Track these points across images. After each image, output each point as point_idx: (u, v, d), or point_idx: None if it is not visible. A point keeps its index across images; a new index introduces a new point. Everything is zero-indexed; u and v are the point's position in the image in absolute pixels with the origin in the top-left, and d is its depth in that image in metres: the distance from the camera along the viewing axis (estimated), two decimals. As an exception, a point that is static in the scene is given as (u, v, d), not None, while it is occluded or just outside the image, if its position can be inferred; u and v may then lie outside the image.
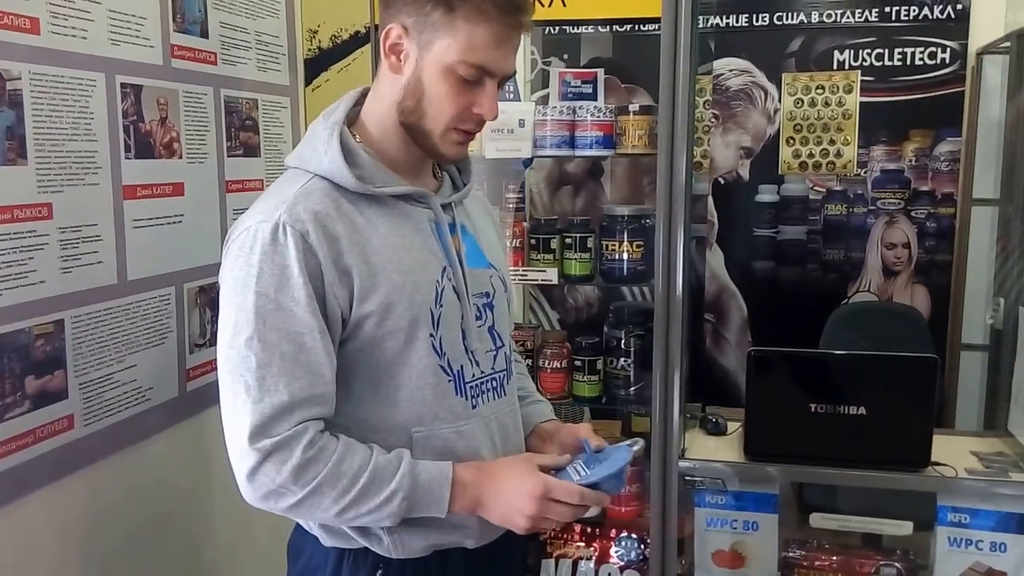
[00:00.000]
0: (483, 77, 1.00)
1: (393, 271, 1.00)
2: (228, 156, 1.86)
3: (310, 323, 0.95)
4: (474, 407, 1.07)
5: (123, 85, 1.53)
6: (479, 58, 0.98)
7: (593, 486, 1.02)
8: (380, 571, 1.04)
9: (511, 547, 1.16)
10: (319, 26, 2.29)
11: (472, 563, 1.09)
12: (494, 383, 1.11)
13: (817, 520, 1.60)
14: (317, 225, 0.96)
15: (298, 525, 1.11)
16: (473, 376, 1.07)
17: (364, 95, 1.09)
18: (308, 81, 2.29)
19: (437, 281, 1.03)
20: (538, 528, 1.03)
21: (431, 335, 1.02)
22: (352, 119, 1.07)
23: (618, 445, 1.09)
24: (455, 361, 1.05)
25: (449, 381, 1.04)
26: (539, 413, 1.25)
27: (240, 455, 0.94)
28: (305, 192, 0.99)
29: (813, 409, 1.53)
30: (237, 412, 0.94)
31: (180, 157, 1.69)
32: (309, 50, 2.29)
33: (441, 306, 1.03)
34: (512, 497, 0.99)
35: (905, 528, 1.57)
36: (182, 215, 1.71)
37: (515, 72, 1.05)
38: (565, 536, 1.93)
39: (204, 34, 1.75)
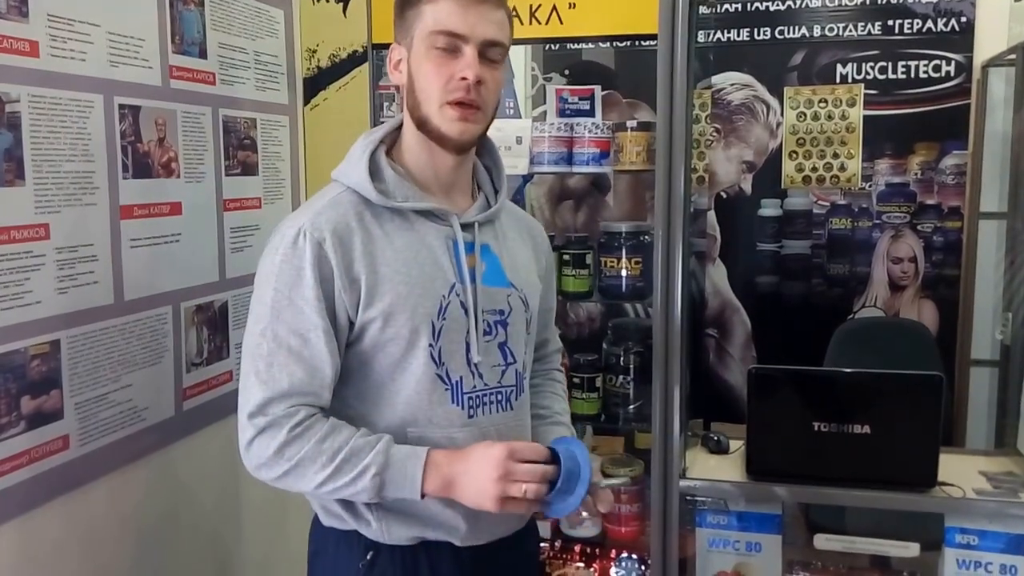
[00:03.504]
0: (458, 44, 1.07)
1: (399, 282, 1.08)
2: (226, 175, 1.86)
3: (316, 322, 1.05)
4: (471, 416, 1.13)
5: (121, 106, 1.54)
6: (447, 25, 1.07)
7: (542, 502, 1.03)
8: (371, 553, 1.12)
9: (518, 556, 1.20)
10: (318, 45, 2.30)
11: (460, 561, 1.14)
12: (499, 396, 1.16)
13: (822, 541, 1.57)
14: (334, 235, 1.06)
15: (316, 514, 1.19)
16: (473, 388, 1.13)
17: None
18: (307, 100, 2.30)
19: (443, 296, 1.10)
20: (508, 493, 1.01)
21: (430, 345, 1.09)
22: (394, 141, 1.17)
23: (588, 478, 1.04)
24: (455, 372, 1.11)
25: (446, 390, 1.11)
26: (555, 434, 1.25)
27: (242, 427, 1.06)
28: (333, 203, 1.10)
29: (816, 427, 1.51)
30: (247, 390, 1.06)
31: (178, 176, 1.70)
32: (308, 69, 2.31)
33: (444, 319, 1.10)
34: (477, 466, 1.02)
35: (912, 550, 1.53)
36: (179, 234, 1.71)
37: (495, 40, 1.09)
38: (565, 556, 1.90)
39: (203, 55, 1.77)
